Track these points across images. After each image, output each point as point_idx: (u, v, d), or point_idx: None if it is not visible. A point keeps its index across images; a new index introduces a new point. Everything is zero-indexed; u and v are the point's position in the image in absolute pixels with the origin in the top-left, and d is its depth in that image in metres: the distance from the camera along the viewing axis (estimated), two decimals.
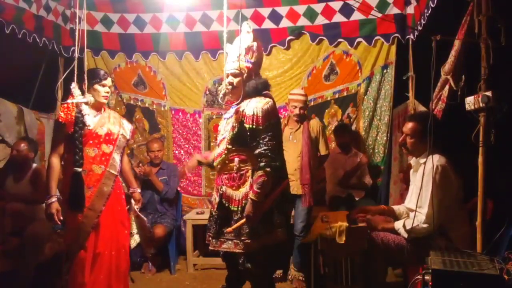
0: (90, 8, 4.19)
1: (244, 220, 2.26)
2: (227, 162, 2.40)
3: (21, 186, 3.48)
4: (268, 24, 4.31)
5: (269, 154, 2.26)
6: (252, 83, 2.44)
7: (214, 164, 2.54)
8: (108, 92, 2.73)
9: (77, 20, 2.68)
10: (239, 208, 2.34)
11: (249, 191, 2.30)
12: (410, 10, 3.98)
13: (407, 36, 4.04)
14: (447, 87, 2.91)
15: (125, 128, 2.85)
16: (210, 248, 2.49)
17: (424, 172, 2.33)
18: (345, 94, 4.40)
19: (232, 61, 2.46)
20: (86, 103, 2.60)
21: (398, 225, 2.48)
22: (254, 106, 2.32)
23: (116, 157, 2.74)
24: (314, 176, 3.62)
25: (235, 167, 2.36)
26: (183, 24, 4.41)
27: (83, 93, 2.61)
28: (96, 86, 2.65)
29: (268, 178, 2.24)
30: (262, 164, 2.25)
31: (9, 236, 3.14)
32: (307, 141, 3.54)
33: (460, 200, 2.45)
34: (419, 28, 3.65)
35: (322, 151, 3.72)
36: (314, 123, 3.71)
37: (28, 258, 3.19)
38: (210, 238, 2.49)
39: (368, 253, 2.41)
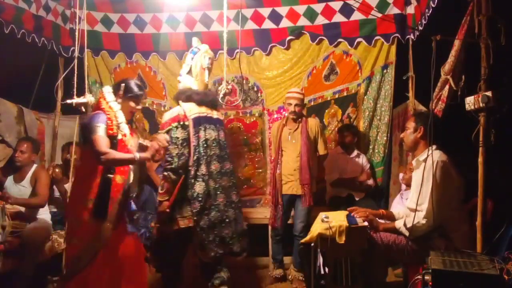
0: (90, 8, 4.18)
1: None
2: None
3: (21, 187, 3.47)
4: (268, 24, 4.31)
5: (168, 158, 2.81)
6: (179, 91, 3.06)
7: None
8: (137, 110, 2.76)
9: (77, 20, 2.68)
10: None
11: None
12: (410, 10, 3.97)
13: (407, 36, 4.04)
14: (447, 87, 2.92)
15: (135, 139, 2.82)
16: None
17: (424, 168, 2.33)
18: (345, 94, 4.40)
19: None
20: (86, 104, 2.60)
21: (399, 224, 2.49)
22: None
23: (132, 168, 2.68)
24: (314, 176, 3.63)
25: None
26: (183, 24, 4.40)
27: (83, 93, 2.61)
28: (130, 102, 2.64)
29: (166, 181, 2.80)
30: (163, 169, 2.83)
31: (9, 236, 3.14)
32: (305, 141, 3.54)
33: (460, 199, 2.45)
34: (420, 28, 3.65)
35: (321, 150, 3.73)
36: (313, 122, 3.72)
37: (28, 258, 3.19)
38: None
39: (368, 253, 2.41)
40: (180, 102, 2.97)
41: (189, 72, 3.06)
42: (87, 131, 2.46)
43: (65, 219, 2.53)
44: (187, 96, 2.96)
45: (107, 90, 2.60)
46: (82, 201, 2.45)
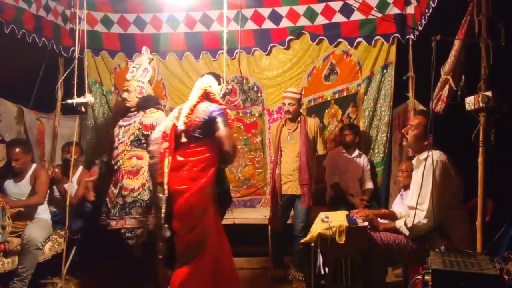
0: (90, 8, 4.18)
1: None
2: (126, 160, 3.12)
3: (21, 186, 3.47)
4: (268, 24, 4.31)
5: None
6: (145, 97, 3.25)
7: (113, 162, 3.17)
8: None
9: (77, 20, 2.68)
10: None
11: (145, 182, 3.08)
12: (410, 10, 3.98)
13: (407, 36, 4.04)
14: (447, 87, 2.91)
15: None
16: None
17: (424, 168, 2.33)
18: (345, 94, 4.40)
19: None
20: (87, 103, 2.60)
21: (399, 223, 2.49)
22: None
23: None
24: (313, 176, 3.63)
25: (133, 164, 3.11)
26: (183, 24, 4.40)
27: (83, 93, 2.61)
28: (223, 98, 2.74)
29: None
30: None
31: (9, 236, 3.14)
32: (305, 141, 3.54)
33: (460, 199, 2.45)
34: (420, 28, 3.65)
35: (320, 150, 3.73)
36: (312, 122, 3.72)
37: (28, 258, 3.19)
38: None
39: (368, 253, 2.42)
40: (153, 109, 3.24)
41: (149, 80, 3.33)
42: (209, 122, 2.46)
43: (187, 212, 2.44)
44: (157, 103, 3.34)
45: (213, 82, 2.60)
46: (207, 192, 2.48)
